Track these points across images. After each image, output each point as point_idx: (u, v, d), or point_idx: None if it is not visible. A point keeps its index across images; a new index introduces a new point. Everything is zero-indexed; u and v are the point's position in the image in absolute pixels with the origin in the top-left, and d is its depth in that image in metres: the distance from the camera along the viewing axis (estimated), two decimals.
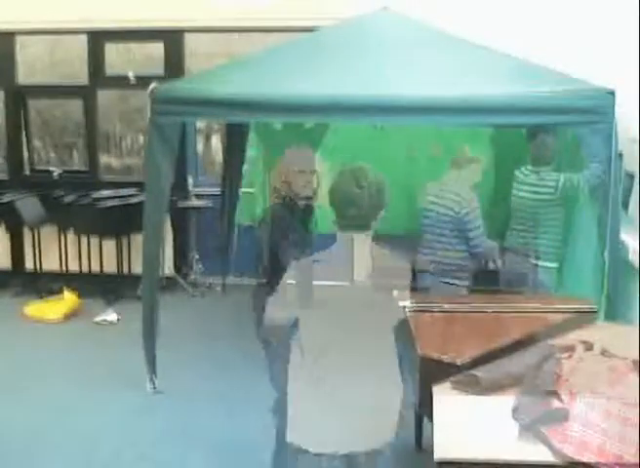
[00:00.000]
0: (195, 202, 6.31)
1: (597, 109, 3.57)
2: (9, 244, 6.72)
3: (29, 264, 6.53)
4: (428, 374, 2.54)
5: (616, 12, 4.98)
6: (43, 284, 6.23)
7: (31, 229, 6.37)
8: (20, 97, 6.64)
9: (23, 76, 6.65)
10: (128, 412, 4.01)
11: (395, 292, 2.33)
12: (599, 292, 3.72)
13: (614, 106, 3.55)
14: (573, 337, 2.68)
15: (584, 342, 2.57)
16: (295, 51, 4.34)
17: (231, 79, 4.04)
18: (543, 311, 3.13)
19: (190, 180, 6.34)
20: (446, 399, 2.27)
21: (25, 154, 6.77)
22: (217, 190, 6.05)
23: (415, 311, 3.08)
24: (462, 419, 2.17)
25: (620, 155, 4.13)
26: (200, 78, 4.44)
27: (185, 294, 6.29)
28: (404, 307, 3.11)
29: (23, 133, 6.74)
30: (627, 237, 4.06)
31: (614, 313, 3.64)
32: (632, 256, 4.10)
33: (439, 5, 5.40)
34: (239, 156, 5.87)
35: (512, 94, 3.61)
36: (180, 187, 5.76)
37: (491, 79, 3.78)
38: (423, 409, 2.69)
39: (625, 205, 4.40)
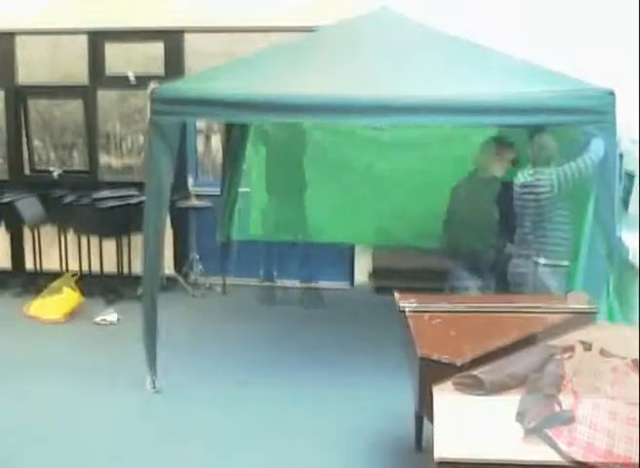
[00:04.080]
0: (195, 202, 6.31)
1: (597, 109, 3.57)
2: (9, 244, 6.73)
3: (29, 264, 6.53)
4: (428, 375, 2.55)
5: (616, 12, 4.99)
6: (43, 284, 6.23)
7: (31, 229, 6.37)
8: (20, 97, 6.63)
9: (23, 76, 6.64)
10: (128, 412, 4.01)
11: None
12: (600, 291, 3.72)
13: (614, 106, 3.55)
14: (572, 337, 2.68)
15: (583, 342, 2.57)
16: (294, 51, 4.34)
17: (231, 79, 4.04)
18: (543, 311, 3.13)
19: (190, 180, 6.34)
20: (446, 399, 2.27)
21: (25, 154, 6.77)
22: (217, 190, 6.05)
23: (414, 311, 3.09)
24: (463, 419, 2.16)
25: (621, 155, 4.13)
26: (200, 78, 4.44)
27: (185, 294, 6.29)
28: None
29: (23, 133, 6.74)
30: (627, 237, 4.06)
31: (614, 313, 3.64)
32: (632, 256, 4.10)
33: (438, 5, 5.41)
34: (239, 156, 5.86)
35: (512, 94, 3.61)
36: (180, 187, 5.75)
37: (490, 79, 3.78)
38: (423, 409, 2.69)
39: (625, 205, 4.40)
